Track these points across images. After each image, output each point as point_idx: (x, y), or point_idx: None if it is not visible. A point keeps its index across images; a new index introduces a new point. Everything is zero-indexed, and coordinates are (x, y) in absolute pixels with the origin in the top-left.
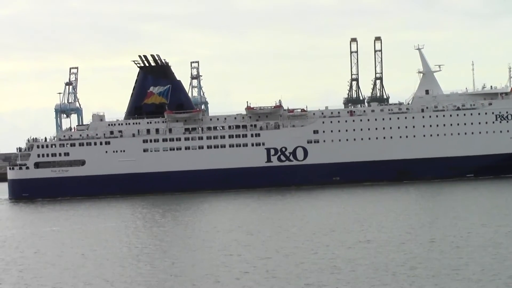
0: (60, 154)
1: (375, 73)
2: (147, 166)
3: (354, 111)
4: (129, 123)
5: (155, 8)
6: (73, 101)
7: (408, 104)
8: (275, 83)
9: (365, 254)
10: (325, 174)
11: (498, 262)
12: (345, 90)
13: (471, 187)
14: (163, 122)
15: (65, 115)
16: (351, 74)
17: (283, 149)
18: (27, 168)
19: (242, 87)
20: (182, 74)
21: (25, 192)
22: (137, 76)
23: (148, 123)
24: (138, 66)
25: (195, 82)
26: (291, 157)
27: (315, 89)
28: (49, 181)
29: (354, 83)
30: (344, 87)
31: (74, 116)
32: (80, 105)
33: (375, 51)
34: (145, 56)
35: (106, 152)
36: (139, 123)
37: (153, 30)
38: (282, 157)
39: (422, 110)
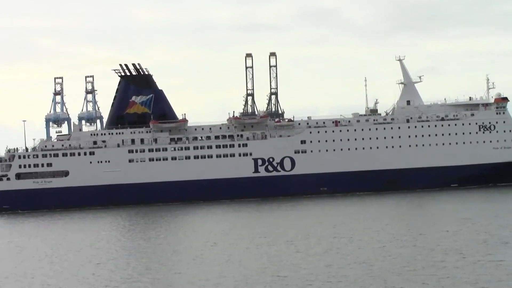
0: (42, 165)
1: (270, 88)
2: (132, 176)
3: (339, 121)
4: (112, 133)
5: (50, 21)
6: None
7: (388, 114)
8: (174, 97)
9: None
10: (312, 184)
11: None
12: (241, 105)
13: (453, 197)
14: (147, 132)
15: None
16: (247, 89)
17: (271, 159)
18: (8, 179)
19: None
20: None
21: (6, 204)
22: (118, 85)
23: (131, 133)
24: (119, 75)
25: (90, 96)
26: (278, 168)
27: (212, 104)
28: (31, 193)
29: (249, 98)
30: (241, 102)
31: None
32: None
33: (270, 66)
34: (126, 65)
35: (91, 162)
36: (123, 133)
37: (49, 44)
38: (270, 168)
39: (407, 121)
